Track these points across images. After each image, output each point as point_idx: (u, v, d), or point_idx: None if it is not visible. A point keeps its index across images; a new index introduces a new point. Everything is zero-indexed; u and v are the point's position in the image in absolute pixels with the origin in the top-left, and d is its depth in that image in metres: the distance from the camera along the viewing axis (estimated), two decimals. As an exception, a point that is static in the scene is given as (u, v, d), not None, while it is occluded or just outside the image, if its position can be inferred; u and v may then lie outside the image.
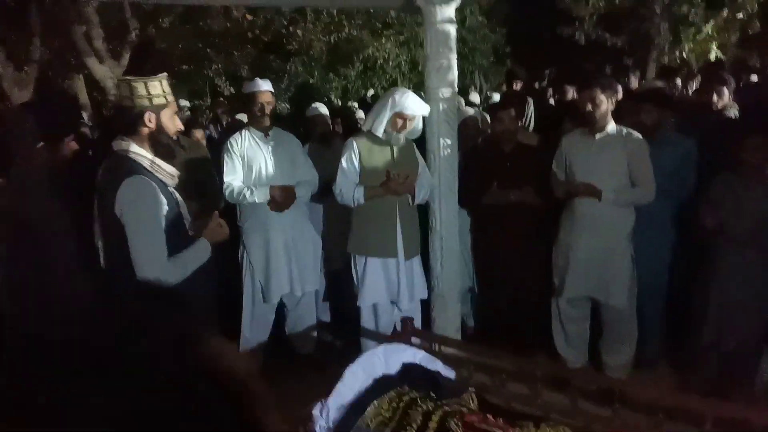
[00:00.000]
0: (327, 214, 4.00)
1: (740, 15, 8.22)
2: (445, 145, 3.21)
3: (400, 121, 3.07)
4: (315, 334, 3.80)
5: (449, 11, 3.03)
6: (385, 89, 12.30)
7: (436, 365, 2.13)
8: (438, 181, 3.26)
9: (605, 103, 3.02)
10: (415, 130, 3.23)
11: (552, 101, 6.78)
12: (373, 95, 9.61)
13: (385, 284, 3.29)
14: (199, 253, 2.24)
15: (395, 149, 3.20)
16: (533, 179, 3.29)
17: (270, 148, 3.42)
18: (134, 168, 2.10)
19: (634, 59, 11.42)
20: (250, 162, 3.39)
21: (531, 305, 3.50)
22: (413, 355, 2.13)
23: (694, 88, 5.86)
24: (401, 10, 5.38)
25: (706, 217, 2.83)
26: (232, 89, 11.05)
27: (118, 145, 2.16)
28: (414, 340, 2.37)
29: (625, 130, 3.11)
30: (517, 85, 9.84)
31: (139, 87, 2.08)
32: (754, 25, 8.10)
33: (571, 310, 3.41)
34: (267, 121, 3.42)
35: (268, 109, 3.41)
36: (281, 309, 3.67)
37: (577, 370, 3.42)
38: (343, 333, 3.87)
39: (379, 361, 2.04)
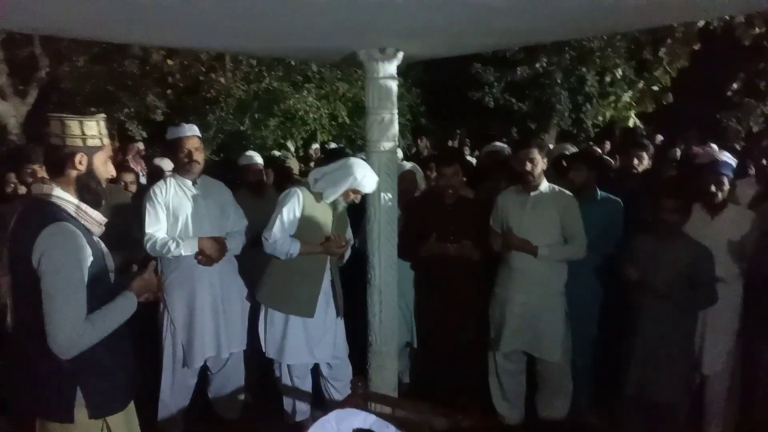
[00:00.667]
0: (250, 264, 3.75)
1: (655, 87, 9.24)
2: (385, 198, 3.17)
3: (353, 195, 3.09)
4: (242, 397, 3.52)
5: (391, 67, 3.06)
6: (304, 140, 12.28)
7: (389, 430, 2.03)
8: (378, 234, 3.20)
9: (541, 163, 3.16)
10: None
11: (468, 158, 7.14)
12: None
13: (307, 343, 3.17)
14: (124, 308, 2.00)
15: (336, 211, 3.19)
16: (472, 232, 3.33)
17: (198, 197, 3.21)
18: (57, 214, 1.86)
19: (538, 124, 12.33)
20: (176, 212, 3.15)
21: (468, 360, 3.46)
22: (364, 420, 2.03)
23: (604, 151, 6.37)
24: (342, 64, 5.43)
25: (629, 272, 2.97)
26: (143, 133, 10.54)
27: (38, 188, 1.92)
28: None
29: (557, 188, 3.25)
30: (423, 142, 10.36)
31: (73, 125, 1.88)
32: (667, 97, 9.13)
33: (507, 364, 3.43)
34: (195, 169, 3.21)
35: (196, 156, 3.20)
36: (204, 371, 3.38)
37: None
38: (269, 394, 3.60)
39: (331, 427, 1.94)
